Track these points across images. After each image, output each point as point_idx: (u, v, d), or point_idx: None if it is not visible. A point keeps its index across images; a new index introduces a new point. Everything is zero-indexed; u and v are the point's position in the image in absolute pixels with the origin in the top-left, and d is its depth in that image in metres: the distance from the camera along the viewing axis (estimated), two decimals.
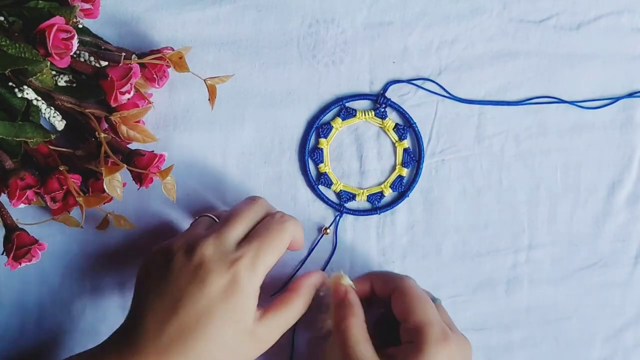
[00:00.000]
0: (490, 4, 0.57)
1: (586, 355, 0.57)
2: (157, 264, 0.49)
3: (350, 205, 0.57)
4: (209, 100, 0.53)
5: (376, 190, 0.57)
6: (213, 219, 0.52)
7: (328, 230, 0.56)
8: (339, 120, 0.57)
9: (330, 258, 0.56)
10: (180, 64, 0.52)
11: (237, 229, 0.49)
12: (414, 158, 0.57)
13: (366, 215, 0.57)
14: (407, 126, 0.57)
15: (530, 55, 0.57)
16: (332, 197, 0.57)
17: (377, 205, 0.57)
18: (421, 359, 0.47)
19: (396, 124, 0.57)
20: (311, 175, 0.57)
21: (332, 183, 0.57)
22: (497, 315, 0.57)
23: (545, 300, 0.57)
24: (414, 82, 0.57)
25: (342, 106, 0.57)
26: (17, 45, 0.46)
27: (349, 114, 0.57)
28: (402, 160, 0.57)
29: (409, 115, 0.57)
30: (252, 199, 0.52)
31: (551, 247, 0.57)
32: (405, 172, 0.57)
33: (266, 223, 0.50)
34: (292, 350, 0.56)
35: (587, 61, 0.57)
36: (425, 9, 0.57)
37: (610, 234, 0.57)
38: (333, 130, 0.57)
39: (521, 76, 0.57)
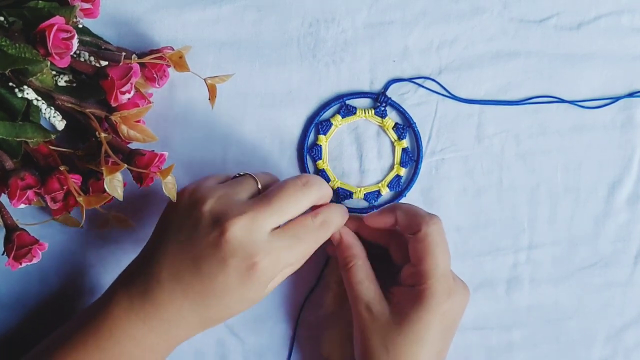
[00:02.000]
0: (490, 4, 0.57)
1: (587, 355, 0.57)
2: (183, 217, 0.48)
3: (347, 203, 0.57)
4: (209, 99, 0.53)
5: (373, 188, 0.57)
6: (257, 185, 0.50)
7: None
8: (338, 117, 0.57)
9: (329, 257, 0.56)
10: (180, 63, 0.52)
11: (276, 218, 0.48)
12: (413, 158, 0.57)
13: (362, 213, 0.57)
14: (406, 126, 0.57)
15: (531, 55, 0.57)
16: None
17: (373, 204, 0.57)
18: (423, 308, 0.48)
19: (396, 123, 0.57)
20: (309, 172, 0.57)
21: (329, 180, 0.57)
22: (498, 314, 0.57)
23: (545, 300, 0.57)
24: (414, 80, 0.57)
25: (342, 103, 0.57)
26: (17, 45, 0.46)
27: (349, 111, 0.57)
28: (401, 160, 0.57)
29: (409, 115, 0.57)
30: (304, 183, 0.49)
31: (551, 247, 0.57)
32: (403, 171, 0.57)
33: (305, 225, 0.49)
34: (291, 349, 0.56)
35: (587, 61, 0.57)
36: (426, 9, 0.57)
37: (611, 234, 0.57)
38: (332, 127, 0.57)
39: (521, 76, 0.57)
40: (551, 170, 0.57)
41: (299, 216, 0.49)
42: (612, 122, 0.57)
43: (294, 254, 0.49)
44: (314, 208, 0.51)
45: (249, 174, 0.51)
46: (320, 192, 0.50)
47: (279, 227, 0.48)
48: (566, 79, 0.57)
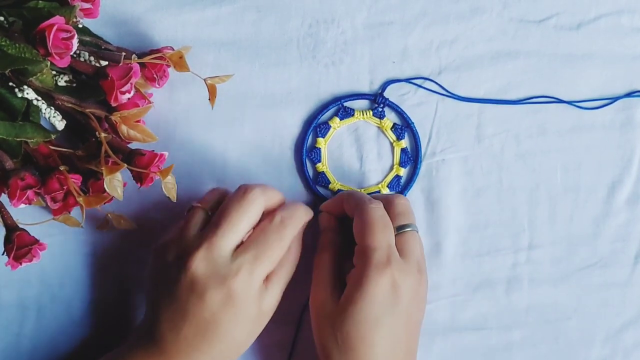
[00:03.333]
0: (490, 4, 0.57)
1: (586, 355, 0.57)
2: (159, 273, 0.50)
3: None
4: (209, 99, 0.53)
5: (373, 190, 0.57)
6: (206, 212, 0.51)
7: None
8: (336, 119, 0.57)
9: None
10: (180, 63, 0.52)
11: (230, 238, 0.48)
12: (412, 158, 0.57)
13: None
14: (405, 126, 0.57)
15: (530, 55, 0.57)
16: (329, 197, 0.57)
17: None
18: (362, 283, 0.48)
19: (394, 124, 0.57)
20: (308, 175, 0.57)
21: (329, 182, 0.57)
22: (497, 315, 0.57)
23: (545, 300, 0.57)
24: (412, 80, 0.57)
25: (340, 106, 0.57)
26: (17, 45, 0.46)
27: (347, 113, 0.57)
28: (400, 160, 0.57)
29: (407, 115, 0.57)
30: (244, 195, 0.49)
31: (551, 247, 0.57)
32: (402, 172, 0.57)
33: (264, 229, 0.49)
34: (293, 348, 0.56)
35: (587, 61, 0.57)
36: (425, 9, 0.57)
37: (610, 234, 0.57)
38: (331, 129, 0.57)
39: (521, 76, 0.57)
40: (551, 170, 0.57)
41: (256, 225, 0.50)
42: (611, 122, 0.57)
43: (265, 261, 0.48)
44: (271, 213, 0.50)
45: (195, 205, 0.51)
46: (265, 195, 0.50)
47: (242, 243, 0.49)
48: (566, 79, 0.57)
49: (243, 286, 0.47)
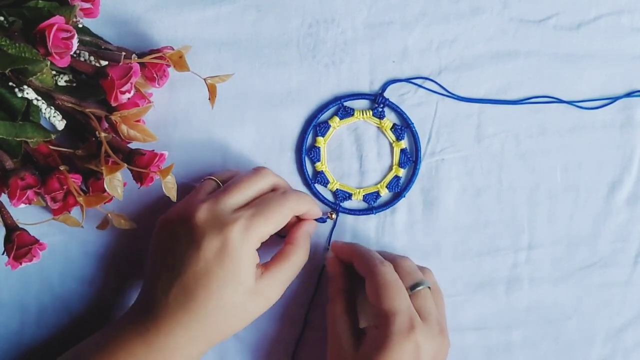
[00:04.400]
0: (490, 4, 0.57)
1: (586, 355, 0.57)
2: (160, 236, 0.51)
3: (347, 204, 0.57)
4: (209, 99, 0.53)
5: (372, 190, 0.57)
6: (217, 183, 0.53)
7: (333, 215, 0.56)
8: (336, 119, 0.57)
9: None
10: (180, 63, 0.52)
11: (236, 197, 0.50)
12: (411, 158, 0.57)
13: (362, 215, 0.57)
14: (404, 126, 0.57)
15: (530, 55, 0.57)
16: (329, 196, 0.57)
17: (372, 205, 0.57)
18: (386, 348, 0.48)
19: (394, 124, 0.57)
20: (307, 174, 0.57)
21: (328, 182, 0.57)
22: (497, 315, 0.57)
23: (545, 300, 0.57)
24: (412, 80, 0.57)
25: (340, 105, 0.57)
26: (17, 44, 0.46)
27: (347, 113, 0.57)
28: (399, 161, 0.57)
29: (407, 116, 0.57)
30: (257, 170, 0.52)
31: (551, 247, 0.57)
32: (402, 172, 0.57)
33: (267, 196, 0.51)
34: (296, 348, 0.56)
35: (587, 61, 0.57)
36: (425, 9, 0.57)
37: (610, 234, 0.57)
38: (330, 129, 0.57)
39: (521, 76, 0.57)
40: (551, 170, 0.57)
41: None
42: (611, 122, 0.57)
43: (262, 219, 0.49)
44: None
45: (208, 177, 0.53)
46: (277, 177, 0.53)
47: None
48: (566, 79, 0.57)
49: (238, 238, 0.48)
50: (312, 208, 0.53)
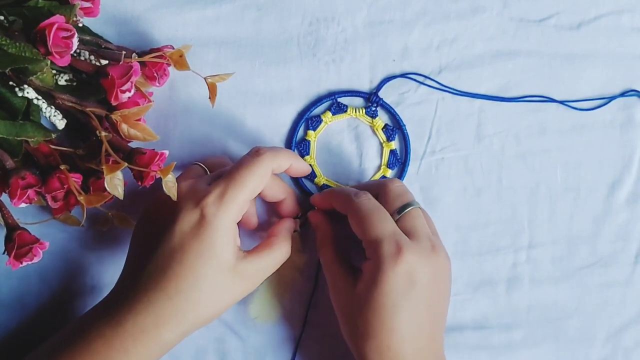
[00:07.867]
0: (490, 3, 0.57)
1: (586, 355, 0.57)
2: (140, 222, 0.51)
3: None
4: (210, 98, 0.53)
5: None
6: (203, 168, 0.53)
7: (298, 228, 0.55)
8: (329, 114, 0.57)
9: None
10: (180, 62, 0.52)
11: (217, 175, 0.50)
12: (400, 160, 0.57)
13: None
14: (396, 127, 0.57)
15: (530, 54, 0.57)
16: (315, 191, 0.57)
17: None
18: (381, 277, 0.48)
19: (385, 125, 0.57)
20: None
21: (315, 176, 0.57)
22: (498, 314, 0.57)
23: (545, 300, 0.57)
24: (407, 75, 0.57)
25: (333, 100, 0.57)
26: (18, 44, 0.46)
27: (340, 109, 0.57)
28: (388, 161, 0.57)
29: (399, 117, 0.57)
30: (256, 153, 0.50)
31: (551, 246, 0.57)
32: (389, 173, 0.57)
33: (240, 160, 0.50)
34: (297, 347, 0.56)
35: (587, 61, 0.57)
36: (426, 8, 0.57)
37: (611, 234, 0.57)
38: (322, 123, 0.57)
39: (521, 75, 0.57)
40: (551, 169, 0.57)
41: None
42: (611, 122, 0.57)
43: (236, 186, 0.48)
44: None
45: (194, 163, 0.53)
46: (269, 161, 0.50)
47: None
48: (566, 78, 0.57)
49: (214, 208, 0.47)
50: (294, 162, 0.52)
